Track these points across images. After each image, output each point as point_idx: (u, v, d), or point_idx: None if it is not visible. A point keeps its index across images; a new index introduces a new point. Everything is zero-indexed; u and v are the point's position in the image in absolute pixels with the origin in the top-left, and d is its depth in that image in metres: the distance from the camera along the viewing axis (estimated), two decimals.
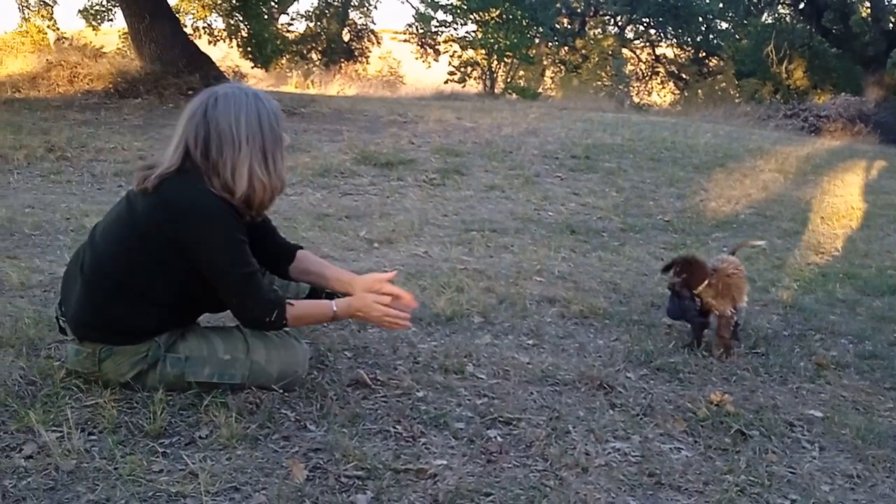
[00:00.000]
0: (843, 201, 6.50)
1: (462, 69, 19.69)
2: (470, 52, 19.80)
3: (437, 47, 22.13)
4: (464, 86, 19.20)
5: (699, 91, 22.70)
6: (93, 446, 1.74)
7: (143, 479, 1.63)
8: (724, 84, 22.73)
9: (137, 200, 1.92)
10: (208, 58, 10.21)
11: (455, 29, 20.84)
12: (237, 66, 14.71)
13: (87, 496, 1.57)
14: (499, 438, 1.96)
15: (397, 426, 1.95)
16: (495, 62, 19.51)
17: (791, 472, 1.95)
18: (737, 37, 22.39)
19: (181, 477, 1.65)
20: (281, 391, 2.05)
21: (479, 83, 19.77)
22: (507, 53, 18.84)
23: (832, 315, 3.38)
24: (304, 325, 2.07)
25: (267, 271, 2.23)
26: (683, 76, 24.21)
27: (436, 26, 21.49)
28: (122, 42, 15.20)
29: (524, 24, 18.85)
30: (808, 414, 2.30)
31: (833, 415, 2.30)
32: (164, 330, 1.97)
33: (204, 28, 14.84)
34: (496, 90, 18.91)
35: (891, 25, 18.43)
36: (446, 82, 19.24)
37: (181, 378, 1.98)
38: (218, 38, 14.58)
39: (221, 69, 10.78)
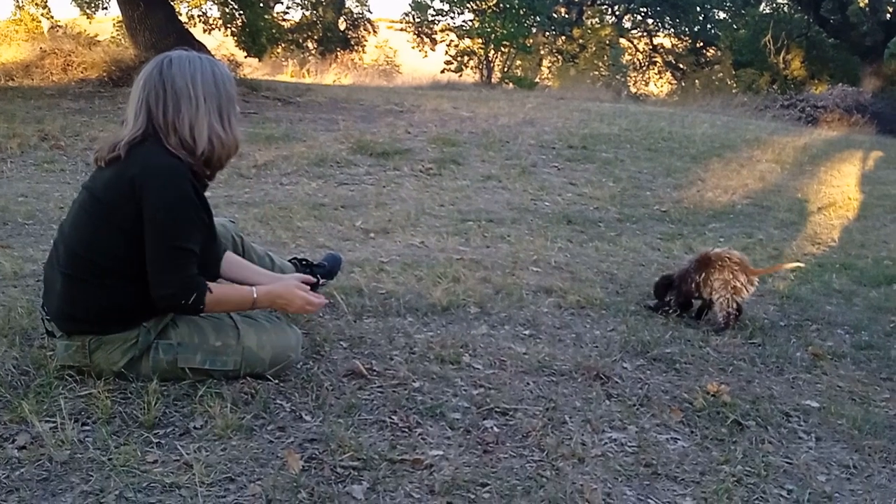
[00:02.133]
0: (839, 192, 6.50)
1: (459, 58, 19.61)
2: (467, 42, 19.73)
3: (433, 36, 22.03)
4: (460, 75, 19.12)
5: (696, 81, 22.67)
6: (86, 437, 1.73)
7: (137, 470, 1.62)
8: (721, 74, 22.67)
9: (100, 177, 1.92)
10: (203, 46, 10.12)
11: (452, 18, 20.80)
12: (232, 54, 14.60)
13: (80, 487, 1.56)
14: (495, 429, 1.95)
15: (393, 416, 1.95)
16: (492, 51, 19.44)
17: (787, 463, 1.95)
18: (734, 27, 22.34)
19: (175, 468, 1.64)
20: (276, 381, 2.04)
21: (475, 73, 19.70)
22: (504, 43, 18.77)
23: (829, 305, 3.38)
24: (224, 311, 2.03)
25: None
26: (681, 66, 24.17)
27: (432, 15, 21.41)
28: (117, 30, 15.09)
29: (521, 13, 18.76)
30: (804, 404, 2.31)
31: (829, 405, 2.30)
32: (150, 311, 1.95)
33: (199, 16, 14.70)
34: (493, 80, 18.85)
35: (888, 16, 18.41)
36: (443, 72, 19.17)
37: (174, 365, 1.97)
38: (213, 26, 14.44)
39: (216, 58, 10.69)
